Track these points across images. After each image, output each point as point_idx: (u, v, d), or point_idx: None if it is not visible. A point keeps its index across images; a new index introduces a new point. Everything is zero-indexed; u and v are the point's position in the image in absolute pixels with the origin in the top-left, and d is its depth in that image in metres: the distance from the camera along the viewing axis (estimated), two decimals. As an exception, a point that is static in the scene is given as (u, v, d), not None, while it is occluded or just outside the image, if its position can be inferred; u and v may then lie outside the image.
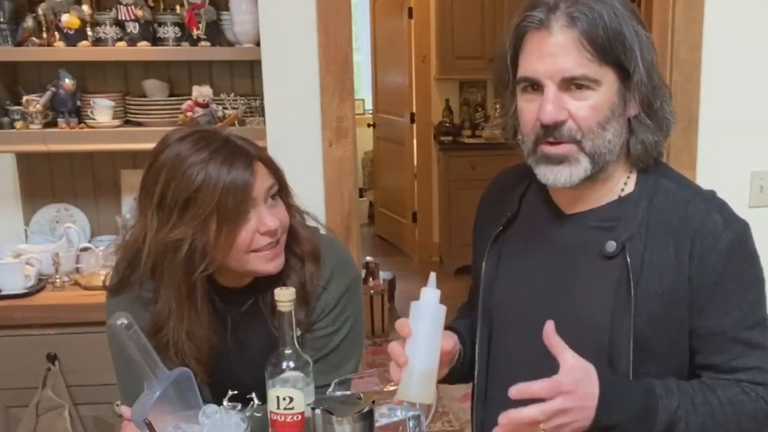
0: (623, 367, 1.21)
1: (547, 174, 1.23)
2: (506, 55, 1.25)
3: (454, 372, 1.39)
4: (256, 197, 1.35)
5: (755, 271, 1.26)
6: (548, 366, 1.29)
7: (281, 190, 1.43)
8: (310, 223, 1.54)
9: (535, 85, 1.20)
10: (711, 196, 1.28)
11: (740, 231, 1.23)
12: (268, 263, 1.39)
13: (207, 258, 1.34)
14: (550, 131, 1.20)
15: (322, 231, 1.58)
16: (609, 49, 1.17)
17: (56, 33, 2.48)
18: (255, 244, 1.37)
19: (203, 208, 1.31)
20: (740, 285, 1.22)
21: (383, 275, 4.71)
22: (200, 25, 2.46)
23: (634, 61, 1.18)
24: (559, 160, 1.21)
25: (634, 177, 1.28)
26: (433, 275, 1.22)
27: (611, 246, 1.23)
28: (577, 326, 1.25)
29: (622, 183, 1.27)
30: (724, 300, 1.22)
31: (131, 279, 1.44)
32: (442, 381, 1.32)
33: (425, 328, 1.20)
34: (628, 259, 1.21)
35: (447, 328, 1.41)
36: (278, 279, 1.43)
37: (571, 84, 1.18)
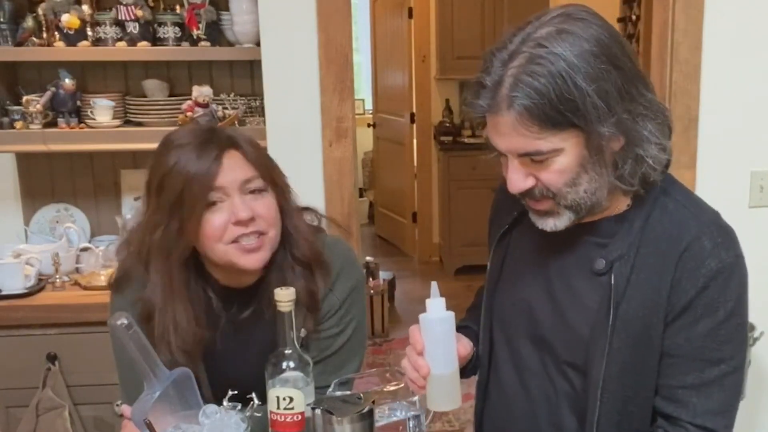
0: (594, 380, 1.21)
1: (537, 222, 1.24)
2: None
3: (468, 369, 1.42)
4: (226, 186, 1.35)
5: (734, 307, 1.18)
6: (544, 370, 1.30)
7: (275, 191, 1.42)
8: (311, 221, 1.54)
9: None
10: (709, 219, 1.22)
11: (727, 262, 1.17)
12: (244, 256, 1.38)
13: (181, 243, 1.37)
14: (524, 195, 1.21)
15: (327, 231, 1.58)
16: (560, 118, 1.10)
17: (56, 33, 2.48)
18: (228, 236, 1.37)
19: (171, 193, 1.34)
20: (712, 316, 1.17)
21: (383, 275, 4.71)
22: (200, 25, 2.46)
23: (593, 119, 1.11)
24: (541, 214, 1.22)
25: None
26: (434, 284, 1.24)
27: (600, 264, 1.22)
28: (563, 337, 1.27)
29: (624, 202, 1.24)
30: (690, 326, 1.18)
31: (131, 272, 1.46)
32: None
33: (438, 337, 1.23)
34: (612, 280, 1.19)
35: (461, 326, 1.43)
36: (282, 283, 1.41)
37: (530, 157, 1.16)
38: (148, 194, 1.39)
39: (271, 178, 1.42)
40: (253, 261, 1.39)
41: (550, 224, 1.22)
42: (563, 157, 1.14)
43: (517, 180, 1.18)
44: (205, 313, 1.44)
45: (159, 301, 1.40)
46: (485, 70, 1.16)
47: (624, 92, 1.13)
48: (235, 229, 1.36)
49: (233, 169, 1.36)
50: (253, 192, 1.38)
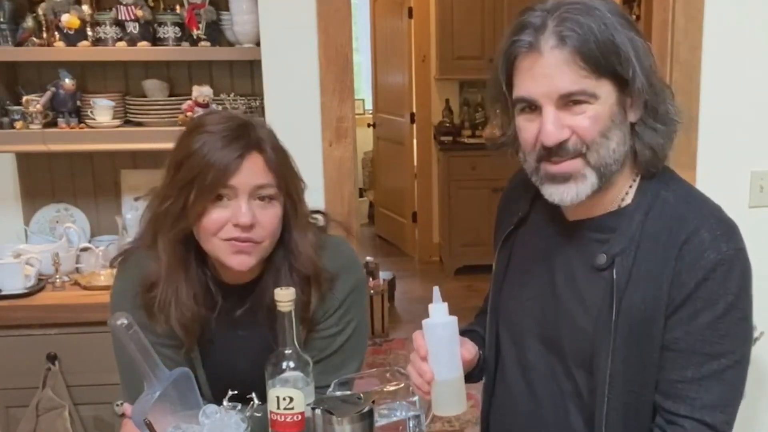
0: (601, 377, 1.21)
1: (553, 193, 1.22)
2: (500, 77, 1.23)
3: (475, 374, 1.42)
4: (237, 187, 1.35)
5: (735, 300, 1.17)
6: (550, 369, 1.30)
7: (286, 201, 1.42)
8: (317, 222, 1.54)
9: (532, 106, 1.19)
10: (709, 212, 1.22)
11: (727, 254, 1.16)
12: (231, 256, 1.38)
13: (180, 223, 1.38)
14: (552, 151, 1.19)
15: (329, 232, 1.58)
16: (603, 62, 1.14)
17: (56, 33, 2.48)
18: (224, 233, 1.37)
19: (186, 174, 1.34)
20: (712, 309, 1.16)
21: (383, 275, 4.71)
22: (200, 25, 2.46)
23: (632, 69, 1.15)
24: (565, 179, 1.20)
25: (636, 185, 1.25)
26: (436, 289, 1.25)
27: (602, 259, 1.22)
28: (568, 336, 1.27)
29: (624, 192, 1.25)
30: (690, 319, 1.17)
31: (139, 242, 1.49)
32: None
33: (442, 342, 1.23)
34: (614, 275, 1.19)
35: (466, 330, 1.44)
36: (278, 285, 1.41)
37: (569, 101, 1.16)
38: (168, 167, 1.40)
39: (286, 187, 1.42)
40: (239, 262, 1.39)
41: (571, 193, 1.20)
42: (598, 105, 1.16)
43: (554, 129, 1.16)
44: (203, 294, 1.45)
45: (163, 272, 1.42)
46: (527, 16, 1.18)
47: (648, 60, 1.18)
48: (232, 230, 1.36)
49: (251, 172, 1.36)
50: (262, 199, 1.38)
